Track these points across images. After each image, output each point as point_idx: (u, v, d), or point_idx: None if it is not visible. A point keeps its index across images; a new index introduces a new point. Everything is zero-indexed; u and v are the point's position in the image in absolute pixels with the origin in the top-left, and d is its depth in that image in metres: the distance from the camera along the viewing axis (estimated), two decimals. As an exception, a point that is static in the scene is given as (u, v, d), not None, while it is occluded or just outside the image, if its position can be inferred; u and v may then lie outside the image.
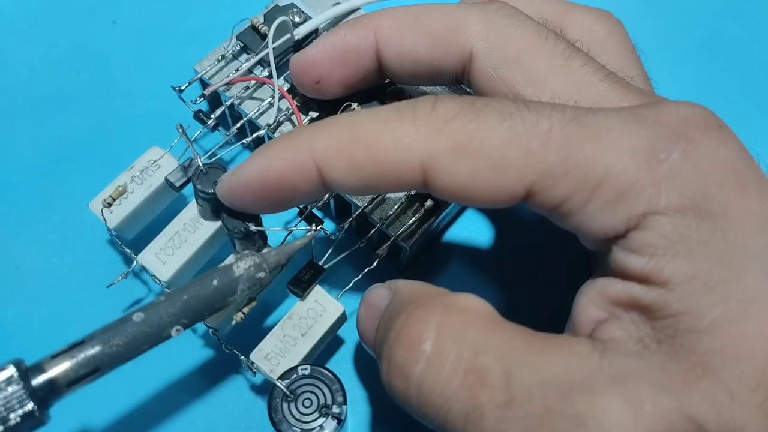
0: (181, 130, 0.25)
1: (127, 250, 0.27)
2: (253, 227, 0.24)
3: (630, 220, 0.18)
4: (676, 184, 0.18)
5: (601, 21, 0.25)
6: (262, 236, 0.25)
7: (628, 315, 0.19)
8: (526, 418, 0.17)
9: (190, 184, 0.26)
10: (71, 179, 0.32)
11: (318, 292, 0.25)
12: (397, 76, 0.26)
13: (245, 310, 0.24)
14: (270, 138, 0.29)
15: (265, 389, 0.27)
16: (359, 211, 0.27)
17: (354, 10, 0.31)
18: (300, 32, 0.29)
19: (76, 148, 0.32)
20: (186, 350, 0.28)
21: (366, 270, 0.27)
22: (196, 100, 0.29)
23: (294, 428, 0.23)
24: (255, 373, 0.25)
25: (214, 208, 0.26)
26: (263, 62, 0.29)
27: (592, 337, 0.19)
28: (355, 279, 0.27)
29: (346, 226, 0.27)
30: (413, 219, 0.27)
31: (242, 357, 0.25)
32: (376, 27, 0.25)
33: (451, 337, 0.18)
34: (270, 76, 0.29)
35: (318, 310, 0.25)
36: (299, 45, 0.29)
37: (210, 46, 0.30)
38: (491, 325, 0.19)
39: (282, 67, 0.29)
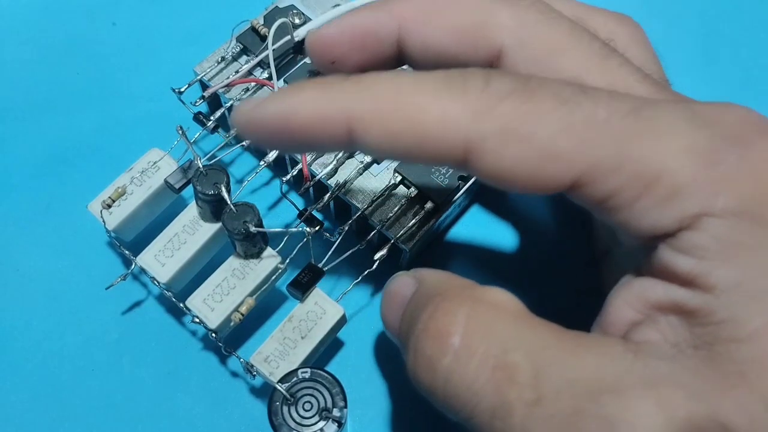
0: (180, 132, 0.25)
1: (126, 252, 0.27)
2: (253, 228, 0.24)
3: (683, 219, 0.17)
4: (733, 187, 0.17)
5: (623, 25, 0.24)
6: (263, 237, 0.25)
7: (665, 318, 0.18)
8: (554, 416, 0.17)
9: (190, 186, 0.26)
10: (70, 180, 0.31)
11: (318, 294, 0.25)
12: (418, 66, 0.24)
13: (243, 310, 0.24)
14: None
15: (265, 392, 0.27)
16: (359, 213, 0.27)
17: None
18: (300, 34, 0.29)
19: (76, 150, 0.32)
20: (185, 352, 0.28)
21: (366, 272, 0.27)
22: (196, 102, 0.29)
23: None
24: (254, 376, 0.25)
25: (214, 209, 0.26)
26: (263, 64, 0.29)
27: (625, 339, 0.19)
28: (355, 281, 0.26)
29: (346, 228, 0.27)
30: (413, 221, 0.27)
31: (241, 360, 0.25)
32: (401, 15, 0.23)
33: (480, 332, 0.18)
34: (270, 77, 0.29)
35: (318, 312, 0.25)
36: (300, 47, 0.29)
37: (210, 47, 0.30)
38: (520, 320, 0.19)
39: (282, 69, 0.29)
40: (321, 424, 0.23)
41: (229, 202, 0.24)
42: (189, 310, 0.25)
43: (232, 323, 0.24)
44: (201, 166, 0.25)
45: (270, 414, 0.23)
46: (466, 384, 0.18)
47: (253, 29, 0.30)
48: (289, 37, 0.29)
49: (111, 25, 0.36)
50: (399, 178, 0.28)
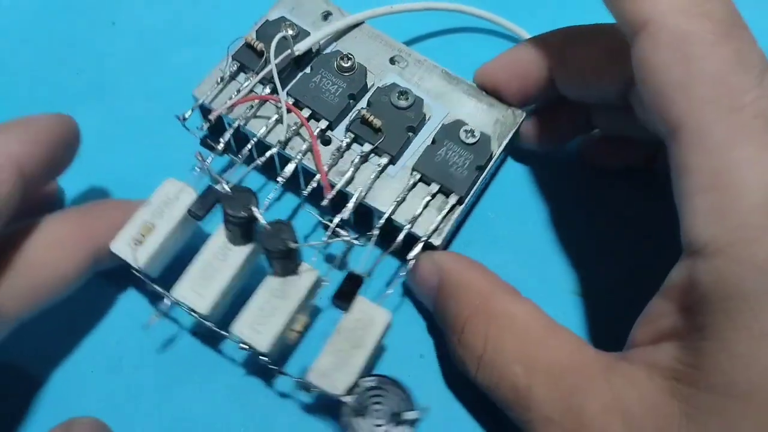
0: (200, 159, 0.25)
1: (158, 288, 0.26)
2: (293, 244, 0.24)
3: None
4: None
5: None
6: (298, 254, 0.25)
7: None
8: (549, 418, 0.22)
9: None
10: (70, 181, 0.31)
11: (361, 301, 0.25)
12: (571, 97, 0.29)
13: (298, 327, 0.24)
14: (283, 156, 0.28)
15: (315, 409, 0.27)
16: (386, 215, 0.27)
17: (357, 24, 0.31)
18: (300, 48, 0.29)
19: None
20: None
21: (401, 274, 0.27)
22: (201, 127, 0.28)
23: (372, 441, 0.22)
24: (311, 392, 0.25)
25: (245, 231, 0.25)
26: (263, 80, 0.29)
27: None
28: (392, 283, 0.27)
29: (377, 232, 0.27)
30: (440, 216, 0.27)
31: (298, 379, 0.25)
32: (552, 55, 0.28)
33: (497, 348, 0.23)
34: (272, 92, 0.29)
35: (365, 319, 0.25)
36: (300, 60, 0.29)
37: (210, 48, 0.30)
38: (528, 335, 0.23)
39: (282, 83, 0.29)
40: (397, 429, 0.23)
41: (263, 222, 0.24)
42: (235, 337, 0.25)
43: (289, 342, 0.24)
44: (228, 189, 0.24)
45: (344, 429, 0.23)
46: (492, 386, 0.23)
47: (249, 46, 0.29)
48: (289, 51, 0.28)
49: (111, 25, 0.36)
50: (418, 176, 0.28)
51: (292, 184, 0.30)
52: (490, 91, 0.30)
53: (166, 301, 0.26)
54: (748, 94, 0.20)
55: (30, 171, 0.23)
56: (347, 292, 0.25)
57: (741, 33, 0.21)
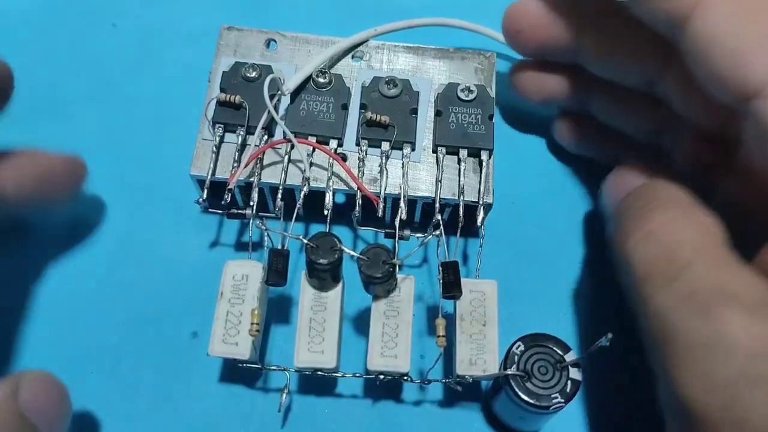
0: (263, 227, 0.24)
1: (274, 367, 0.25)
2: (397, 260, 0.24)
3: None
4: None
5: None
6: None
7: None
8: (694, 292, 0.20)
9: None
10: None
11: (465, 283, 0.26)
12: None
13: (441, 332, 0.24)
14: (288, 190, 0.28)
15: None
16: (436, 200, 0.27)
17: (358, 45, 0.31)
18: (290, 87, 0.28)
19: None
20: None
21: (481, 243, 0.27)
22: (224, 200, 0.27)
23: (553, 397, 0.23)
24: (464, 385, 0.25)
25: (335, 274, 0.25)
26: (251, 129, 0.28)
27: None
28: (480, 254, 0.27)
29: (442, 219, 0.27)
30: (481, 176, 0.28)
31: (446, 380, 0.25)
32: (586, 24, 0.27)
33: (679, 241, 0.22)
34: (268, 137, 0.28)
35: (478, 296, 0.26)
36: (294, 97, 0.29)
37: (210, 47, 0.30)
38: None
39: (270, 124, 0.28)
40: (565, 374, 0.23)
41: (358, 255, 0.24)
42: (376, 372, 0.24)
43: (440, 346, 0.24)
44: (307, 242, 0.24)
45: (521, 400, 0.23)
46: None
47: (224, 103, 0.28)
48: (279, 92, 0.27)
49: (111, 26, 0.36)
50: (443, 150, 0.28)
51: (311, 214, 0.29)
52: (512, 32, 0.29)
53: (287, 375, 0.25)
54: None
55: (14, 199, 0.26)
56: (454, 282, 0.25)
57: None
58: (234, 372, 0.28)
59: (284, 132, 0.27)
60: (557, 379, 0.24)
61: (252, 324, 0.24)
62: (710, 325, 0.19)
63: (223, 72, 0.29)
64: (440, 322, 0.24)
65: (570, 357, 0.24)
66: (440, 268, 0.25)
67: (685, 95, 0.25)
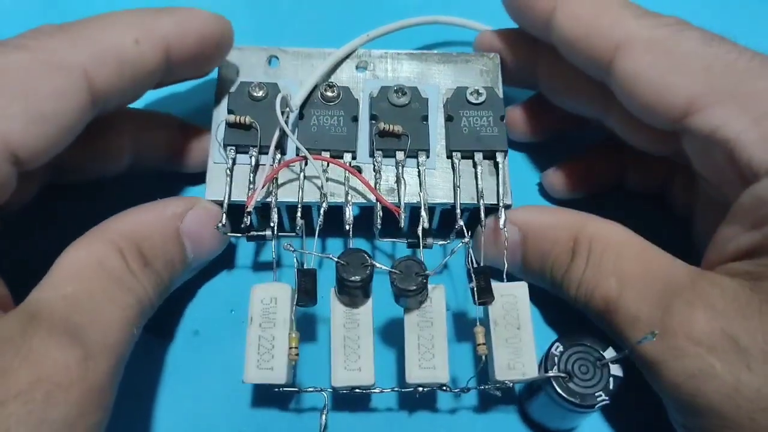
0: (291, 248, 0.24)
1: (310, 389, 0.25)
2: (429, 272, 0.23)
3: None
4: None
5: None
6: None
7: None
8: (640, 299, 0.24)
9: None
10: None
11: (495, 287, 0.25)
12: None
13: (481, 340, 0.24)
14: (326, 211, 0.27)
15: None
16: (457, 206, 0.27)
17: (353, 51, 0.31)
18: (296, 103, 0.27)
19: None
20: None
21: (504, 251, 0.27)
22: (244, 224, 0.27)
23: (597, 395, 0.23)
24: (501, 391, 0.25)
25: (365, 290, 0.24)
26: (262, 149, 0.28)
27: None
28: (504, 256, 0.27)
29: (462, 226, 0.27)
30: (498, 176, 0.28)
31: (486, 386, 0.25)
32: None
33: (599, 269, 0.25)
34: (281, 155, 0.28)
35: (510, 300, 0.25)
36: (303, 113, 0.29)
37: None
38: (633, 256, 0.24)
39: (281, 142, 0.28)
40: (606, 371, 0.23)
41: (390, 269, 0.23)
42: (415, 385, 0.24)
43: (483, 356, 0.24)
44: (337, 259, 0.23)
45: (563, 401, 0.23)
46: (587, 299, 0.25)
47: (234, 125, 0.28)
48: (288, 109, 0.27)
49: None
50: (459, 155, 0.28)
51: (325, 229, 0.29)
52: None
53: (324, 395, 0.25)
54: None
55: (177, 56, 0.25)
56: (486, 288, 0.25)
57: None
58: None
59: (297, 149, 0.27)
60: (599, 377, 0.24)
61: (290, 348, 0.23)
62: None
63: (230, 93, 0.29)
64: (479, 330, 0.24)
65: (609, 354, 0.24)
66: (472, 276, 0.25)
67: (628, 128, 0.28)
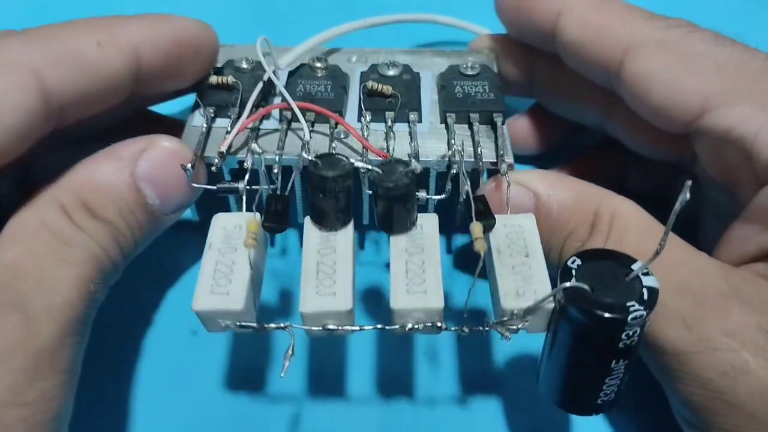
0: (260, 151, 0.21)
1: (272, 325, 0.20)
2: (415, 164, 0.20)
3: None
4: None
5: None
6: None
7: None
8: None
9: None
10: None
11: (498, 218, 0.22)
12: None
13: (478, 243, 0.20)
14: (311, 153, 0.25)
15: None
16: (454, 164, 0.25)
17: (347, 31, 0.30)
18: (285, 61, 0.27)
19: None
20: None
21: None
22: (214, 166, 0.24)
23: (629, 306, 0.18)
24: (512, 333, 0.20)
25: (346, 200, 0.21)
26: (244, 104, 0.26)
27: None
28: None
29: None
30: (497, 133, 0.26)
31: (489, 326, 0.20)
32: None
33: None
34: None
35: (515, 228, 0.22)
36: (290, 81, 0.27)
37: None
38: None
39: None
40: (639, 283, 0.19)
41: (371, 167, 0.20)
42: (403, 312, 0.20)
43: (480, 251, 0.19)
44: (311, 158, 0.21)
45: (588, 320, 0.18)
46: None
47: (216, 86, 0.26)
48: (273, 67, 0.26)
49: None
50: (453, 116, 0.26)
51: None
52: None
53: (289, 330, 0.20)
54: None
55: (148, 62, 0.23)
56: (485, 210, 0.21)
57: None
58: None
59: (283, 97, 0.25)
60: (630, 289, 0.19)
61: (248, 233, 0.19)
62: None
63: (216, 67, 0.28)
64: (475, 225, 0.20)
65: (638, 267, 0.19)
66: (469, 199, 0.21)
67: (633, 134, 0.28)
